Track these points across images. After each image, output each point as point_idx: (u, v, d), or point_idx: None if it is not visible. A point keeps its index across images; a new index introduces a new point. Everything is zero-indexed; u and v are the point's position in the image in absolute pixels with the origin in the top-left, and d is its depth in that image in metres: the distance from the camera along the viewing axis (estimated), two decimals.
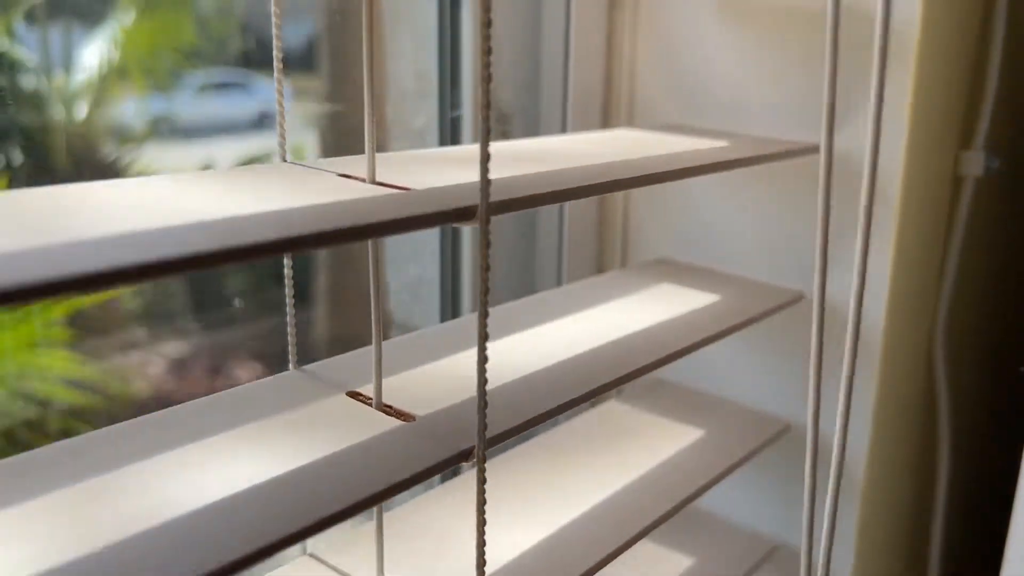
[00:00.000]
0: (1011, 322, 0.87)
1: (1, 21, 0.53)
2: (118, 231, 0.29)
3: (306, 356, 0.46)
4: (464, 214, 0.35)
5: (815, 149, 0.62)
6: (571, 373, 0.47)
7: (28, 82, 0.56)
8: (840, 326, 0.64)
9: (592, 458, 0.59)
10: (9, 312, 0.55)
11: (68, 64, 0.58)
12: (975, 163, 0.69)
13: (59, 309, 0.59)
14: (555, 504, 0.52)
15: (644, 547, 0.69)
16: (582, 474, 0.57)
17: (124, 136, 0.62)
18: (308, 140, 0.71)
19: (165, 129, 0.64)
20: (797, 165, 0.65)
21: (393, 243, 0.75)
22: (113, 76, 0.60)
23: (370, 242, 0.42)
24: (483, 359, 0.37)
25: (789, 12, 0.64)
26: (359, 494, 0.33)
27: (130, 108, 0.63)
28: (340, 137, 0.70)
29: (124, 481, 0.34)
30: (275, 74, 0.42)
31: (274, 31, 0.41)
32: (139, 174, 0.63)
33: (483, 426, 0.38)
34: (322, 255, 0.73)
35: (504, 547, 0.47)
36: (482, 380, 0.37)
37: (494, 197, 0.36)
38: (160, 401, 0.67)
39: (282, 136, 0.43)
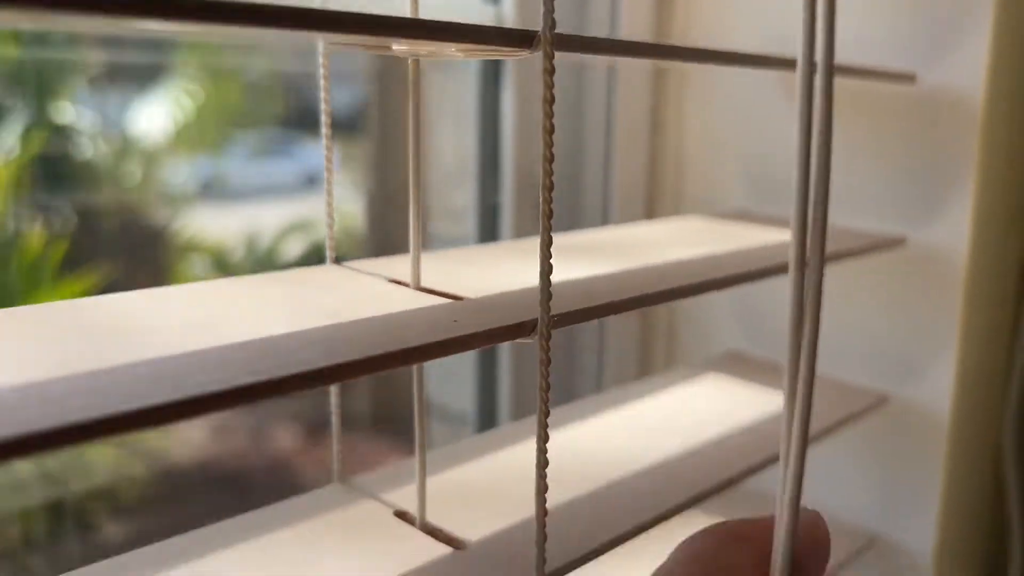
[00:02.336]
0: None
1: (63, 88, 0.54)
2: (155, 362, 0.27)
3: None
4: (523, 329, 0.32)
5: (901, 241, 0.59)
6: (640, 489, 0.43)
7: (85, 148, 0.57)
8: (916, 427, 0.61)
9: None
10: None
11: (124, 129, 0.59)
12: None
13: None
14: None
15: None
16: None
17: (175, 200, 0.62)
18: (356, 206, 0.70)
19: (214, 192, 0.64)
20: (881, 259, 0.61)
21: None
22: (166, 141, 0.61)
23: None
24: (543, 488, 0.33)
25: (871, 99, 0.61)
26: None
27: (181, 172, 0.63)
28: (386, 203, 0.69)
29: None
30: (324, 151, 0.40)
31: (322, 106, 0.40)
32: (189, 239, 0.62)
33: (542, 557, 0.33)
34: None
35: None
36: (541, 505, 0.33)
37: (556, 309, 0.33)
38: (203, 467, 0.65)
39: (330, 226, 0.42)
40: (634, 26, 0.67)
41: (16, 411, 0.22)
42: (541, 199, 0.32)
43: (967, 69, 0.55)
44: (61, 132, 0.54)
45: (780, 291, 0.63)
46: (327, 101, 0.40)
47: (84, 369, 0.25)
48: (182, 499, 0.66)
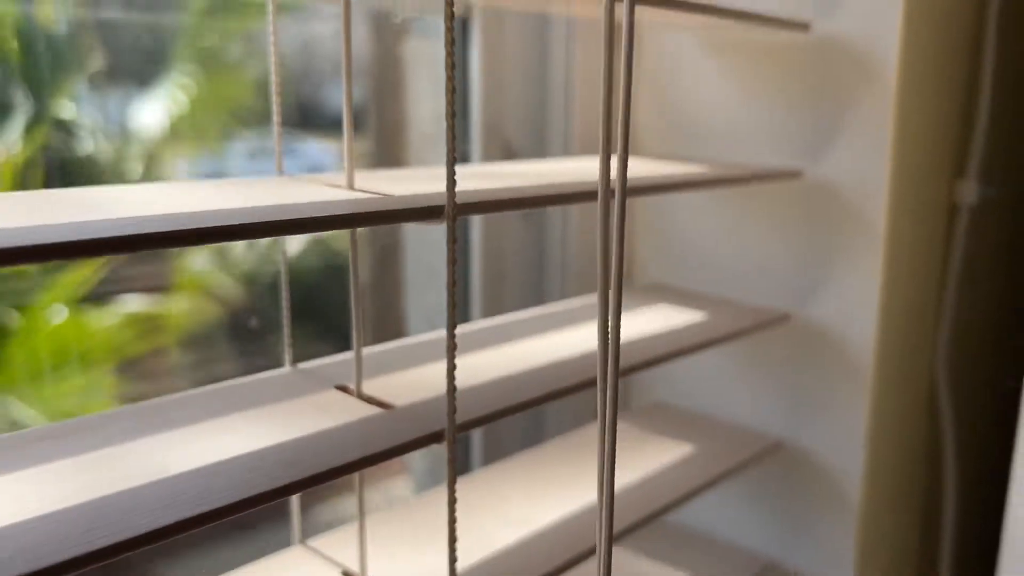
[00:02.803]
0: (1014, 345, 0.87)
1: (65, 87, 0.57)
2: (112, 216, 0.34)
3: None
4: (432, 212, 0.40)
5: (797, 174, 0.66)
6: (546, 373, 0.51)
7: (86, 146, 0.59)
8: (829, 347, 0.67)
9: (578, 470, 0.62)
10: (57, 364, 0.59)
11: (124, 127, 0.61)
12: (969, 191, 0.71)
13: (107, 358, 0.62)
14: (534, 509, 0.56)
15: (636, 564, 0.71)
16: (565, 485, 0.60)
17: None
18: None
19: None
20: (782, 191, 0.68)
21: (411, 271, 0.78)
22: (167, 139, 0.64)
23: (351, 240, 0.46)
24: (452, 347, 0.42)
25: (765, 46, 0.67)
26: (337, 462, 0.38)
27: (183, 170, 0.66)
28: (375, 158, 0.73)
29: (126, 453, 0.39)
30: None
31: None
32: None
33: (452, 409, 0.42)
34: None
35: (478, 547, 0.51)
36: (451, 368, 0.41)
37: (461, 201, 0.40)
38: None
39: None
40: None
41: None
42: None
43: (857, 17, 0.61)
44: (62, 128, 0.57)
45: (701, 233, 0.71)
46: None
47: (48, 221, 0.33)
48: None
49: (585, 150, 0.77)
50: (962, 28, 0.69)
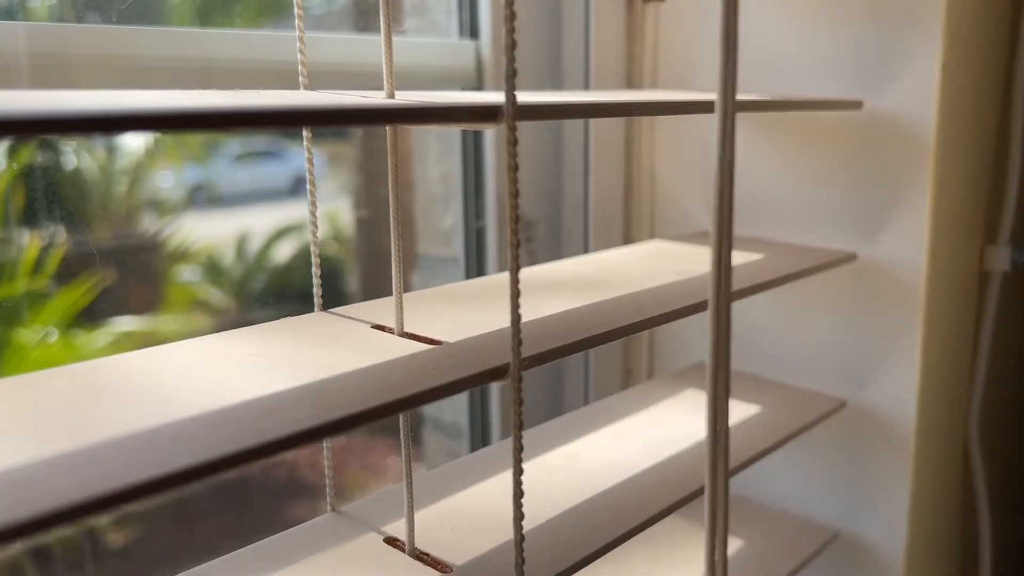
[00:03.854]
0: None
1: None
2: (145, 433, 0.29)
3: None
4: (497, 374, 0.36)
5: (853, 257, 0.64)
6: (615, 504, 0.46)
7: (70, 160, 0.58)
8: (877, 429, 0.64)
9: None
10: None
11: (109, 142, 0.60)
12: (1001, 257, 0.70)
13: None
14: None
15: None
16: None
17: (163, 208, 0.64)
18: (343, 205, 0.73)
19: (203, 198, 0.66)
20: (836, 273, 0.66)
21: None
22: (152, 150, 0.63)
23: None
24: (519, 516, 0.37)
25: (814, 124, 0.66)
26: None
27: (168, 180, 0.65)
28: (372, 205, 0.72)
29: None
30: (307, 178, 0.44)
31: (308, 177, 0.43)
32: (179, 245, 0.65)
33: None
34: None
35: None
36: (515, 293, 0.37)
37: (526, 351, 0.36)
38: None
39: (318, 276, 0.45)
40: (605, 62, 0.72)
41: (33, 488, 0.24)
42: (510, 256, 0.35)
43: (910, 94, 0.60)
44: (48, 145, 0.56)
45: (746, 306, 0.69)
46: (311, 174, 0.43)
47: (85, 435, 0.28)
48: (187, 507, 0.67)
49: (603, 224, 0.75)
50: (992, 97, 0.70)
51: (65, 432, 0.28)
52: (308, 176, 0.43)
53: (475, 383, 0.35)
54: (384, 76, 0.40)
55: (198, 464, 0.26)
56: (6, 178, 0.54)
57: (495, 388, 0.73)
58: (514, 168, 0.34)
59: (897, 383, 0.63)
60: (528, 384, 0.74)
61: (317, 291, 0.44)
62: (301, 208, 0.71)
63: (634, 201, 0.76)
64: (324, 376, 0.34)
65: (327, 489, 0.45)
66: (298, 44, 0.41)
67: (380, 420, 0.32)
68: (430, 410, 0.77)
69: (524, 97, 0.39)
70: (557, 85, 0.74)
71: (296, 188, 0.72)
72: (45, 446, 0.27)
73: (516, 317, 0.36)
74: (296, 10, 0.41)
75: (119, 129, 0.25)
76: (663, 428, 0.57)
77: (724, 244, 0.40)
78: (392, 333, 0.41)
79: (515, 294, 0.35)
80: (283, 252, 0.70)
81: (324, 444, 0.45)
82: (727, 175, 0.39)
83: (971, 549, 0.75)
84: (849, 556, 0.67)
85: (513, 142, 0.34)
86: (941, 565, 0.73)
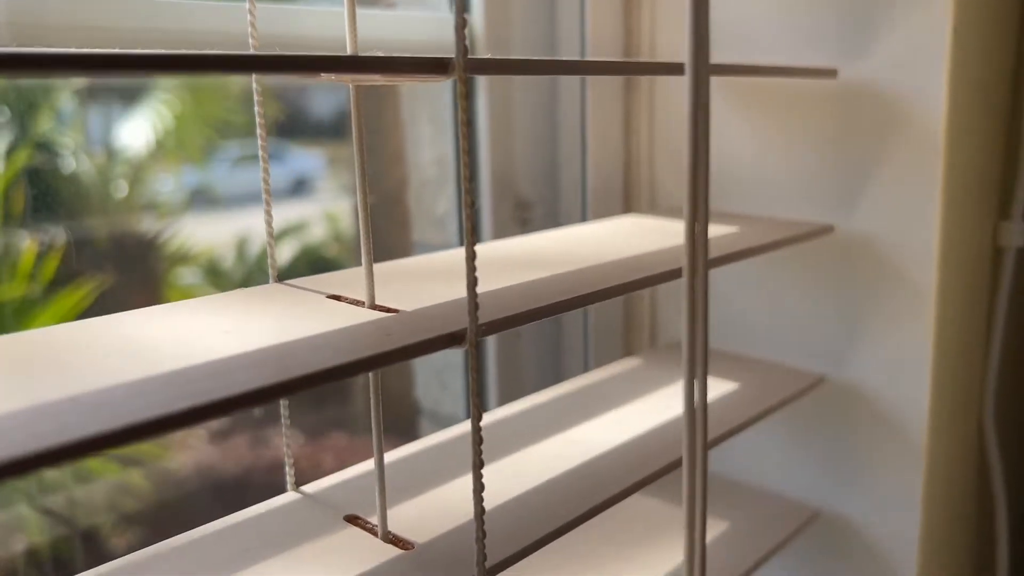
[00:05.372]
0: None
1: (47, 105, 0.56)
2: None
3: None
4: (454, 339, 0.35)
5: (830, 229, 0.63)
6: (583, 482, 0.45)
7: (71, 163, 0.58)
8: (875, 408, 0.62)
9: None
10: None
11: (109, 144, 0.60)
12: (1016, 233, 0.67)
13: None
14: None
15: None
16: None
17: (163, 210, 0.64)
18: (343, 206, 0.73)
19: (202, 201, 0.66)
20: (814, 247, 0.64)
21: None
22: (152, 153, 0.63)
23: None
24: (479, 487, 0.36)
25: (795, 95, 0.64)
26: None
27: (168, 183, 0.65)
28: (372, 206, 0.71)
29: None
30: (262, 173, 0.42)
31: (258, 126, 0.41)
32: (178, 248, 0.65)
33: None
34: None
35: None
36: (471, 258, 0.35)
37: (484, 317, 0.35)
38: (201, 473, 0.65)
39: (271, 245, 0.43)
40: (601, 29, 0.71)
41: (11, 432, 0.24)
42: (463, 216, 0.34)
43: (886, 64, 0.58)
44: (46, 148, 0.56)
45: (724, 283, 0.68)
46: (263, 119, 0.42)
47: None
48: (182, 505, 0.66)
49: (601, 203, 0.73)
50: (1004, 64, 0.67)
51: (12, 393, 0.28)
52: (259, 139, 0.41)
53: (431, 348, 0.34)
54: (347, 38, 0.39)
55: (147, 420, 0.25)
56: (4, 181, 0.54)
57: (493, 379, 0.71)
58: (465, 123, 0.33)
59: (907, 363, 0.61)
60: (524, 356, 0.73)
61: (272, 262, 0.43)
62: (301, 209, 0.71)
63: (632, 181, 0.74)
64: (276, 342, 0.33)
65: (286, 468, 0.44)
66: (248, 16, 0.40)
67: (334, 382, 0.31)
68: (427, 402, 0.76)
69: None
70: (552, 56, 0.73)
71: (296, 189, 0.72)
72: None
73: (472, 280, 0.34)
74: None
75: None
76: (643, 404, 0.56)
77: (700, 208, 0.38)
78: (347, 302, 0.39)
79: (471, 256, 0.34)
80: (284, 254, 0.70)
81: (283, 421, 0.44)
82: (702, 137, 0.38)
83: (987, 535, 0.73)
84: (831, 535, 0.66)
85: (464, 95, 0.33)
86: (956, 551, 0.70)
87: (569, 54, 0.72)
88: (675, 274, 0.44)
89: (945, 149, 0.58)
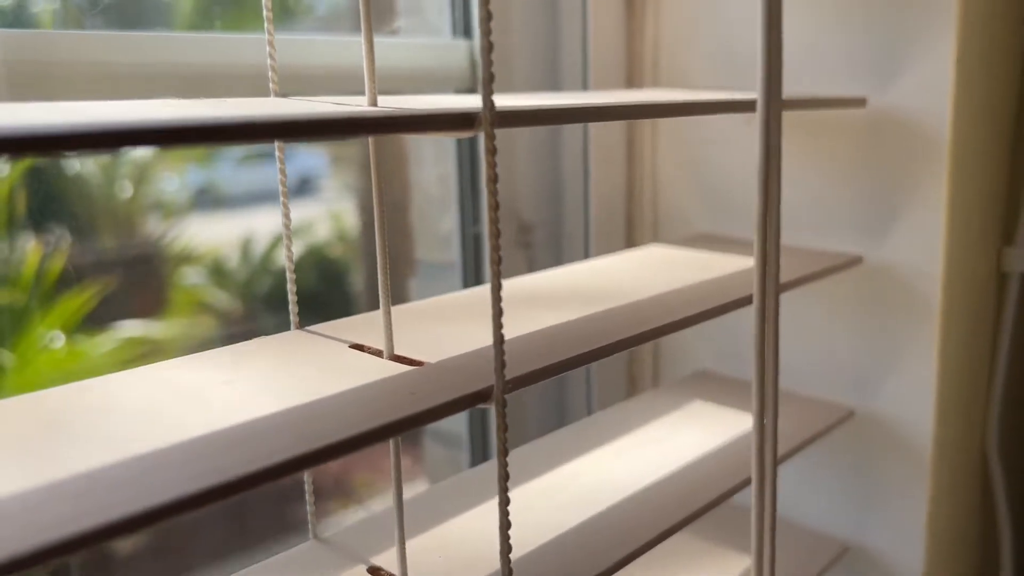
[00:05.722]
0: None
1: None
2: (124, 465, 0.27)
3: None
4: (480, 397, 0.34)
5: (859, 260, 0.62)
6: (610, 530, 0.44)
7: (74, 164, 0.58)
8: (892, 438, 0.62)
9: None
10: None
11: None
12: (1020, 259, 0.67)
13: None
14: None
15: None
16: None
17: (167, 210, 0.64)
18: (347, 205, 0.72)
19: (207, 200, 0.65)
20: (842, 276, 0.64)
21: None
22: (157, 154, 0.62)
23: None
24: (507, 549, 0.35)
25: (820, 123, 0.64)
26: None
27: (172, 183, 0.64)
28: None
29: None
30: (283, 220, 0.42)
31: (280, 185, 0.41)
32: (183, 248, 0.64)
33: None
34: None
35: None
36: (497, 310, 0.34)
37: (511, 371, 0.34)
38: None
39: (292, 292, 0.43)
40: (604, 61, 0.70)
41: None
42: (491, 273, 0.33)
43: (916, 91, 0.58)
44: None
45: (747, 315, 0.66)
46: (283, 176, 0.41)
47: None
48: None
49: (605, 226, 0.72)
50: (1009, 92, 0.67)
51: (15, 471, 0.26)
52: (281, 189, 0.40)
53: (456, 409, 0.33)
54: (366, 82, 0.38)
55: (158, 506, 0.24)
56: (8, 182, 0.53)
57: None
58: (493, 179, 0.32)
59: (911, 390, 0.61)
60: (527, 395, 0.72)
61: (293, 308, 0.42)
62: (306, 209, 0.70)
63: (636, 204, 0.73)
64: (296, 403, 0.32)
65: (308, 516, 0.43)
66: (268, 48, 0.39)
67: (357, 451, 0.30)
68: None
69: (507, 101, 0.36)
70: (555, 86, 0.72)
71: (301, 189, 0.71)
72: None
73: (499, 338, 0.33)
74: (264, 12, 0.38)
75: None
76: (666, 444, 0.55)
77: (771, 232, 0.38)
78: (370, 352, 0.38)
79: (497, 313, 0.33)
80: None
81: (305, 478, 0.43)
82: (774, 169, 0.37)
83: (991, 562, 0.73)
84: (860, 570, 0.65)
85: (492, 151, 0.32)
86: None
87: (571, 77, 0.71)
88: (744, 302, 0.45)
89: (949, 175, 0.58)
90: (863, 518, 0.64)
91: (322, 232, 0.72)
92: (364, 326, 0.42)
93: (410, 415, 0.31)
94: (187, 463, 0.27)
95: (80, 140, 0.22)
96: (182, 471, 0.26)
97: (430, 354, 0.38)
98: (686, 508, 0.46)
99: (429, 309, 0.46)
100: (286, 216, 0.41)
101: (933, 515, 0.62)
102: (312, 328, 0.42)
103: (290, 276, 0.42)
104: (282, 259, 0.42)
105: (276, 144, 0.41)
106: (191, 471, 0.26)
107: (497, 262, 0.33)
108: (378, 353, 0.38)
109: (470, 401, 0.33)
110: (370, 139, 0.39)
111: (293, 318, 0.42)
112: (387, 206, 0.39)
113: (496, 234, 0.33)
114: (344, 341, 0.40)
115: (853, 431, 0.64)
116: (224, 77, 0.52)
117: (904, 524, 0.62)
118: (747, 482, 0.49)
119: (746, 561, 0.61)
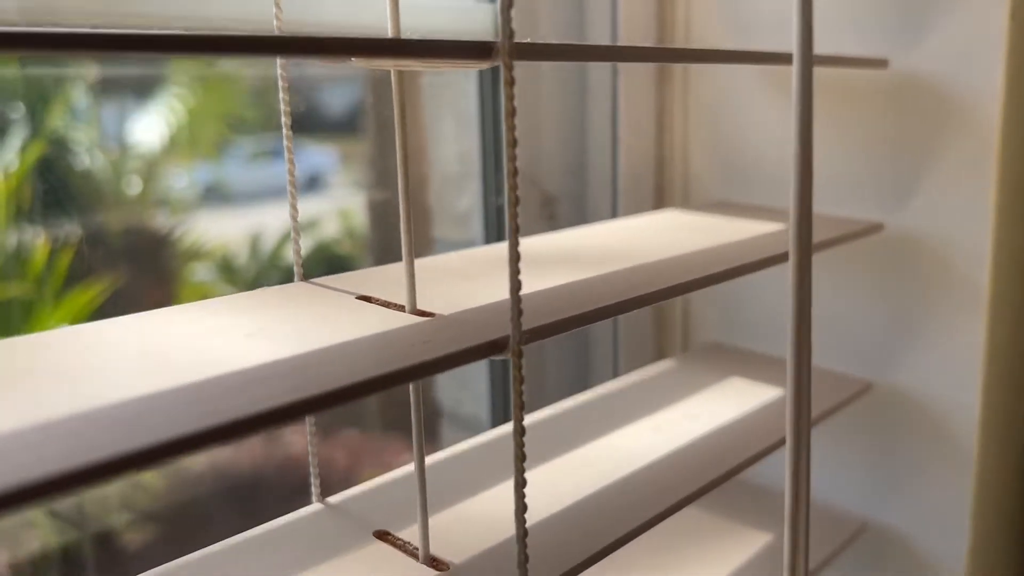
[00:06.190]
0: None
1: (60, 100, 0.55)
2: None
3: None
4: (495, 347, 0.32)
5: (879, 228, 0.60)
6: (627, 496, 0.43)
7: (84, 159, 0.57)
8: (923, 416, 0.59)
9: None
10: None
11: (122, 139, 0.59)
12: None
13: None
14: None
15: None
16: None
17: (176, 206, 0.63)
18: (356, 203, 0.71)
19: (216, 197, 0.65)
20: (860, 243, 0.62)
21: None
22: (165, 149, 0.62)
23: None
24: (522, 508, 0.33)
25: (843, 86, 0.61)
26: None
27: (182, 179, 0.64)
28: (385, 202, 0.70)
29: None
30: (287, 164, 0.40)
31: (283, 115, 0.39)
32: (192, 244, 0.64)
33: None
34: None
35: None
36: (514, 259, 0.33)
37: (528, 323, 0.33)
38: (215, 468, 0.64)
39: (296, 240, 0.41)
40: (634, 19, 0.68)
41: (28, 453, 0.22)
42: (508, 214, 0.31)
43: (939, 54, 0.55)
44: (59, 144, 0.55)
45: (756, 283, 0.65)
46: (288, 105, 0.39)
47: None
48: (198, 504, 0.65)
49: (635, 194, 0.70)
50: None
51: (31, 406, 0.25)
52: (288, 179, 0.39)
53: (470, 358, 0.31)
54: (388, 22, 0.36)
55: (156, 445, 0.22)
56: (17, 176, 0.52)
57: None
58: (511, 113, 0.30)
59: (940, 369, 0.59)
60: (551, 362, 0.70)
61: (297, 258, 0.40)
62: (315, 205, 0.69)
63: (667, 173, 0.71)
64: (307, 349, 0.30)
65: (311, 477, 0.42)
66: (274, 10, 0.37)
67: (364, 398, 0.28)
68: (447, 403, 0.74)
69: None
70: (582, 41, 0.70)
71: (310, 185, 0.71)
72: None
73: (516, 285, 0.32)
74: None
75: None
76: (682, 410, 0.54)
77: (805, 189, 0.36)
78: (378, 303, 0.37)
79: (514, 257, 0.31)
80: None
81: (308, 430, 0.42)
82: (805, 127, 0.36)
83: None
84: (876, 547, 0.63)
85: (510, 82, 0.30)
86: (1006, 564, 0.68)
87: (600, 38, 0.69)
88: (780, 259, 0.44)
89: (999, 145, 0.55)
90: (898, 499, 0.62)
91: (331, 229, 0.71)
92: (371, 279, 0.40)
93: (422, 362, 0.29)
94: (193, 403, 0.25)
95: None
96: (190, 409, 0.25)
97: (443, 307, 0.36)
98: (699, 479, 0.44)
99: (441, 264, 0.44)
100: (294, 209, 0.40)
101: (979, 497, 0.59)
102: (317, 280, 0.41)
103: (298, 272, 0.41)
104: (290, 255, 0.41)
105: (285, 136, 0.39)
106: (197, 410, 0.25)
107: (515, 203, 0.31)
108: (388, 304, 0.36)
109: (485, 351, 0.32)
110: (393, 74, 0.37)
111: (297, 269, 0.41)
112: (385, 143, 0.37)
113: (514, 172, 0.31)
114: (351, 293, 0.38)
115: (877, 407, 0.62)
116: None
117: (947, 506, 0.60)
118: (778, 443, 0.48)
119: (762, 539, 0.59)
